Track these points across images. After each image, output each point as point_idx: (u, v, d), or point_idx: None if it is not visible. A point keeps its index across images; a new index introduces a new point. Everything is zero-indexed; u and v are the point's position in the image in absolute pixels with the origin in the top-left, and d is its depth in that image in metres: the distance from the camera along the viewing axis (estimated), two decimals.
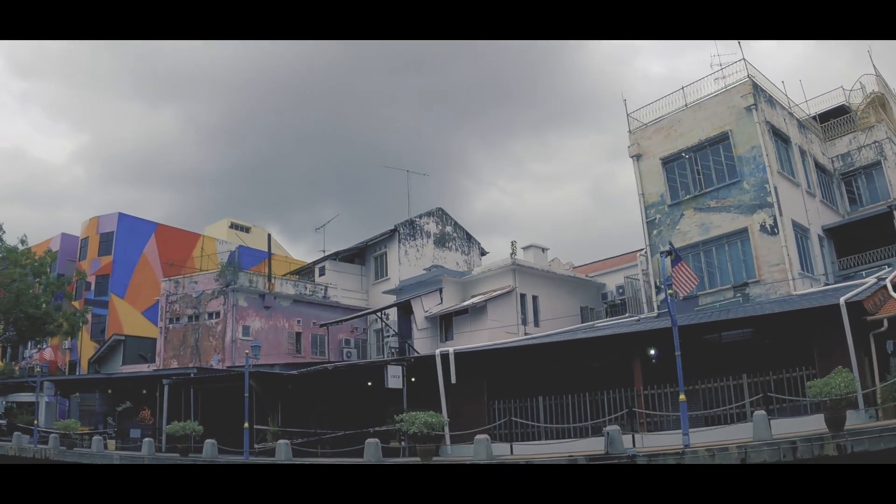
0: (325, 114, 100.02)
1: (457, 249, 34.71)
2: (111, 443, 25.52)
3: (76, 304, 37.68)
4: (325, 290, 32.39)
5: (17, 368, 40.87)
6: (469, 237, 35.53)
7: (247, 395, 19.91)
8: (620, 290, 30.44)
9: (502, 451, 16.39)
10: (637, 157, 26.48)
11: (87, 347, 38.22)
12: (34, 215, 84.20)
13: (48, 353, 28.43)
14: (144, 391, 27.98)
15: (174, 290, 31.46)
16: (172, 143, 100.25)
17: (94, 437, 24.13)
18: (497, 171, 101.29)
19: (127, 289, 38.85)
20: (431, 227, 34.05)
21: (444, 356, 19.59)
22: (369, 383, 20.70)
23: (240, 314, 29.77)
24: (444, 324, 27.65)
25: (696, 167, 24.53)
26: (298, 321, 31.38)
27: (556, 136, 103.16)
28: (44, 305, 32.49)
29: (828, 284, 21.39)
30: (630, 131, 26.70)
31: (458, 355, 19.47)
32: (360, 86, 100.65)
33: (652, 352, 17.27)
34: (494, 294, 26.56)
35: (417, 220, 33.57)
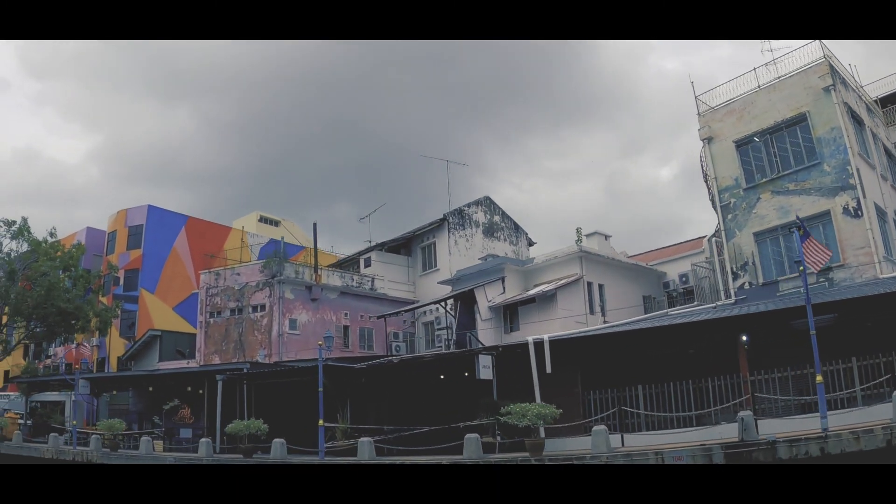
0: (339, 111, 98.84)
1: (505, 239, 33.27)
2: (158, 444, 23.96)
3: (104, 299, 36.12)
4: (372, 281, 30.90)
5: (41, 367, 39.31)
6: (517, 227, 34.09)
7: (321, 389, 18.39)
8: (684, 279, 29.02)
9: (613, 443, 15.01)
10: (708, 141, 25.28)
11: (117, 344, 36.68)
12: (50, 215, 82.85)
13: (85, 350, 26.80)
14: (189, 388, 26.46)
15: (215, 283, 29.92)
16: (187, 142, 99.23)
17: (143, 438, 22.54)
18: (512, 167, 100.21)
19: (157, 283, 37.29)
20: (480, 216, 32.60)
21: (539, 344, 18.30)
22: (465, 373, 19.21)
23: (286, 307, 28.26)
24: (509, 314, 26.23)
25: (773, 149, 23.39)
26: (346, 314, 29.88)
27: (571, 132, 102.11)
28: (78, 299, 30.93)
29: None
30: (699, 114, 25.60)
31: (552, 343, 18.09)
32: (375, 84, 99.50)
33: (744, 338, 16.17)
34: (563, 282, 25.15)
35: (466, 209, 32.12)
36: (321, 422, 18.25)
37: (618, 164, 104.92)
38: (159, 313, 36.84)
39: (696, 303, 26.25)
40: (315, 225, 29.74)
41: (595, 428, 14.36)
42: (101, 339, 37.55)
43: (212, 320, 29.78)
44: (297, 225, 46.19)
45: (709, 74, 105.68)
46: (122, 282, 36.70)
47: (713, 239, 30.01)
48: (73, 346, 39.38)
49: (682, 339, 17.62)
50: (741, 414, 12.68)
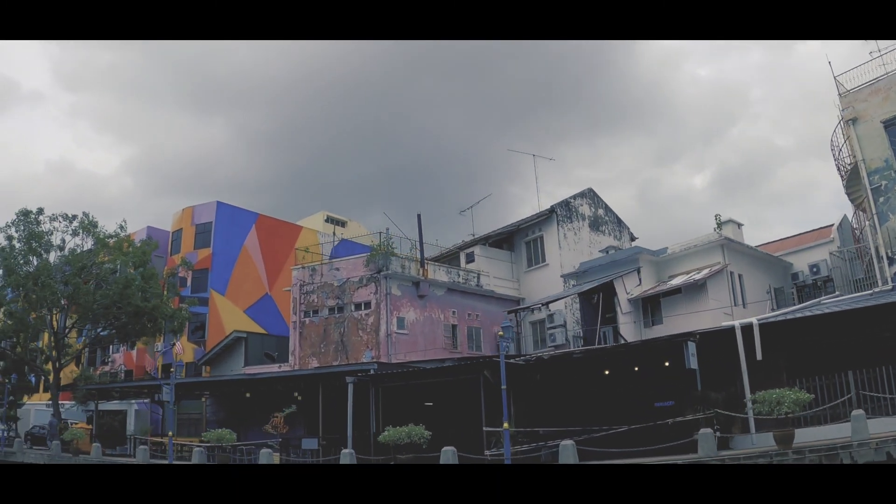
0: (372, 118, 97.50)
1: (609, 233, 31.23)
2: (276, 456, 21.49)
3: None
4: (478, 277, 28.73)
5: (97, 373, 36.72)
6: (619, 221, 32.07)
7: (504, 387, 16.07)
8: (815, 269, 27.03)
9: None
10: (852, 122, 23.53)
11: (186, 348, 34.14)
12: None
13: (178, 350, 24.25)
14: (297, 394, 24.12)
15: (310, 279, 27.65)
16: (221, 152, 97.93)
17: (263, 451, 20.01)
18: (545, 176, 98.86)
19: (227, 285, 34.89)
20: (585, 209, 30.56)
21: (747, 329, 16.32)
22: (666, 363, 17.10)
23: (393, 304, 26.01)
24: (650, 307, 24.14)
25: None
26: (453, 312, 27.64)
27: (606, 141, 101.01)
28: (154, 298, 28.53)
29: None
30: (840, 94, 23.89)
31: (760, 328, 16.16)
32: (408, 92, 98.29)
33: None
34: (713, 270, 23.11)
35: (572, 201, 30.09)
36: (506, 424, 15.92)
37: (651, 172, 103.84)
38: (230, 316, 34.41)
39: (836, 293, 24.30)
40: (419, 216, 27.55)
41: (854, 413, 12.73)
42: (166, 343, 35.05)
43: (307, 320, 27.45)
44: (363, 225, 44.03)
45: (741, 80, 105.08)
46: (188, 282, 34.27)
47: (853, 227, 28.23)
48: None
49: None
50: None
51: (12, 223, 29.69)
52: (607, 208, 31.60)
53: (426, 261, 27.38)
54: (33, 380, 31.60)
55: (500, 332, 16.78)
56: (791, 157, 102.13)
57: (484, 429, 18.45)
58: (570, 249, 28.96)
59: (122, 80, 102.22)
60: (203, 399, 30.89)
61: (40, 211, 29.27)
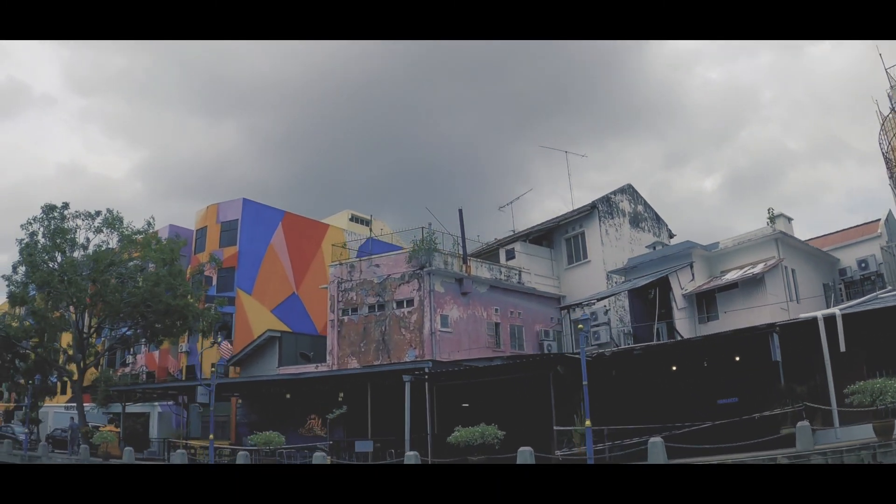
0: (382, 121, 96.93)
1: (648, 230, 30.66)
2: (328, 459, 20.63)
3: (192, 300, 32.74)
4: (520, 274, 28.05)
5: (117, 375, 35.71)
6: (658, 218, 31.50)
7: (586, 383, 15.35)
8: (863, 265, 26.54)
9: None
10: None
11: (212, 349, 33.25)
12: None
13: (225, 349, 23.17)
14: (341, 395, 23.29)
15: (348, 276, 26.88)
16: (232, 155, 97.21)
17: (317, 454, 19.15)
18: (555, 179, 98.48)
19: (254, 284, 34.01)
20: (625, 205, 29.98)
21: (830, 319, 15.71)
22: (737, 357, 16.48)
23: (436, 301, 25.27)
24: (705, 302, 23.56)
25: None
26: (496, 310, 26.93)
27: (616, 144, 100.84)
28: (182, 297, 27.63)
29: None
30: (893, 87, 23.56)
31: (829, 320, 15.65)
32: (420, 95, 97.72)
33: None
34: (769, 264, 22.55)
35: (612, 196, 29.51)
36: (587, 423, 15.23)
37: (661, 175, 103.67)
38: (257, 316, 33.52)
39: (889, 287, 23.80)
40: (461, 211, 26.86)
41: None
42: (190, 344, 34.14)
43: (345, 318, 26.66)
44: (388, 224, 43.20)
45: (751, 83, 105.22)
46: (214, 282, 33.37)
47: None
48: (157, 351, 35.89)
49: None
50: None
51: (36, 219, 28.79)
52: (646, 204, 31.05)
53: (468, 257, 26.67)
54: (54, 381, 30.56)
55: (580, 326, 16.12)
56: (801, 160, 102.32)
57: (555, 428, 17.76)
58: (612, 246, 28.36)
59: (133, 84, 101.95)
60: (233, 401, 30.00)
61: (65, 206, 28.37)
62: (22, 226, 28.81)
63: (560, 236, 29.60)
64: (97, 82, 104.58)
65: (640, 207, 30.64)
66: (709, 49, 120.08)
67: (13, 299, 28.76)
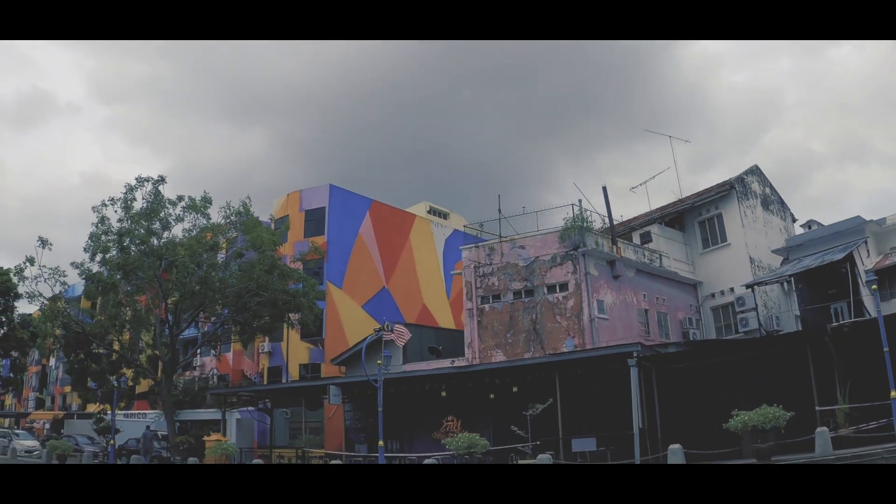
0: (412, 128, 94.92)
1: (776, 213, 29.31)
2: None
3: None
4: (660, 258, 26.20)
5: (180, 380, 32.24)
6: (782, 202, 30.20)
7: (887, 349, 13.44)
8: None
9: None
10: None
11: (298, 349, 30.22)
12: None
13: (400, 335, 19.97)
14: (515, 389, 20.80)
15: (487, 260, 24.50)
16: (257, 163, 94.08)
17: (540, 455, 16.50)
18: (581, 185, 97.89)
19: (344, 276, 31.14)
20: (756, 187, 28.57)
21: None
22: None
23: (591, 285, 23.15)
24: (887, 280, 22.13)
25: None
26: (644, 295, 24.97)
27: (643, 148, 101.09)
28: (303, 283, 24.76)
29: None
30: None
31: None
32: (450, 102, 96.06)
33: None
34: None
35: (746, 177, 28.06)
36: (894, 392, 13.34)
37: (687, 180, 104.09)
38: (348, 312, 30.66)
39: None
40: (605, 188, 24.89)
41: None
42: (274, 344, 30.96)
43: (486, 306, 24.23)
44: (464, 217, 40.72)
45: (775, 86, 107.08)
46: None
47: None
48: (230, 352, 32.47)
49: None
50: None
51: (113, 199, 25.28)
52: (772, 187, 29.70)
53: (617, 238, 24.68)
54: (124, 383, 26.90)
55: (873, 287, 14.25)
56: (826, 162, 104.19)
57: (817, 409, 15.85)
58: (751, 228, 26.83)
59: (157, 92, 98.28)
60: (343, 403, 26.97)
61: (161, 180, 24.97)
62: (94, 208, 25.36)
63: (693, 219, 27.92)
64: (121, 91, 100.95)
65: (767, 190, 29.27)
66: (732, 52, 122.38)
67: (92, 290, 25.28)
